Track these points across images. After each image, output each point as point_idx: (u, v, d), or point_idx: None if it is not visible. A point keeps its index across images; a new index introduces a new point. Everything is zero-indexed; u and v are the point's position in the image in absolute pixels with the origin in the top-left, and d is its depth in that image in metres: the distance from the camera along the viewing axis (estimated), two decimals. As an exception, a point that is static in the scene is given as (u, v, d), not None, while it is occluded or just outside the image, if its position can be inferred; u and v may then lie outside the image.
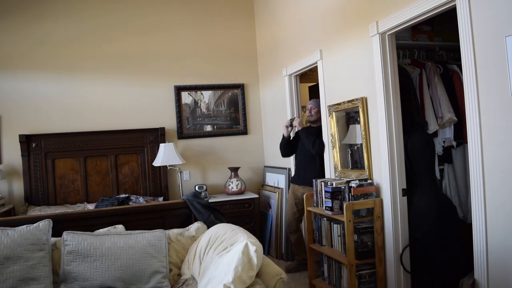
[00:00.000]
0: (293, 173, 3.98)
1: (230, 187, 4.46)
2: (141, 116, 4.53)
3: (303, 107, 5.25)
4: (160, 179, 4.47)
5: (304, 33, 3.71)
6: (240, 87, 4.89)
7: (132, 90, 4.52)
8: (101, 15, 4.45)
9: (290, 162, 4.14)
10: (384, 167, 2.65)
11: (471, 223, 2.02)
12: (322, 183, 2.94)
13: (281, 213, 4.23)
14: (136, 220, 2.70)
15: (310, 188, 3.30)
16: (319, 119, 3.60)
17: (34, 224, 2.28)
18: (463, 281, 2.19)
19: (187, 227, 2.70)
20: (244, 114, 4.90)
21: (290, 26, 4.01)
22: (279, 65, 4.29)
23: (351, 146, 3.13)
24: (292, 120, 3.76)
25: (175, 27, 4.69)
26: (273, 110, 4.58)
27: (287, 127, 3.78)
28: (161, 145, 4.17)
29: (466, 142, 2.37)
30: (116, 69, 4.48)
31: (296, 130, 3.72)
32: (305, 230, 3.56)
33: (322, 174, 3.46)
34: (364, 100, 2.79)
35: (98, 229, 2.50)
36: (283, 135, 3.84)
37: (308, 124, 3.82)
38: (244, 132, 4.89)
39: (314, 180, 3.09)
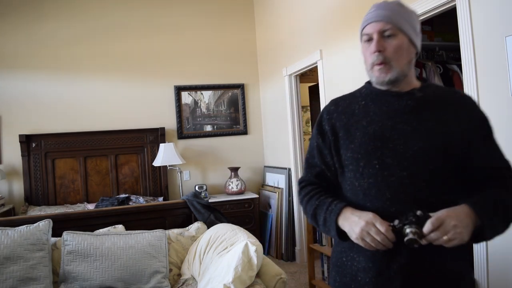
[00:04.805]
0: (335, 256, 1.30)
1: (230, 187, 4.46)
2: (141, 116, 4.53)
3: (303, 107, 5.24)
4: (160, 179, 4.47)
5: (304, 33, 3.71)
6: (240, 87, 4.89)
7: (132, 90, 4.52)
8: (102, 15, 4.45)
9: (290, 162, 4.14)
10: (384, 167, 2.64)
11: (471, 223, 2.01)
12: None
13: (281, 213, 4.23)
14: (136, 220, 2.70)
15: None
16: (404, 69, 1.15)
17: (34, 224, 2.28)
18: (463, 281, 2.17)
19: (187, 227, 2.71)
20: (244, 114, 4.90)
21: (290, 26, 4.01)
22: (279, 65, 4.29)
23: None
24: (412, 222, 1.00)
25: (175, 27, 4.69)
26: (273, 110, 4.58)
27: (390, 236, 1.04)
28: (161, 145, 4.17)
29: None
30: (116, 69, 4.48)
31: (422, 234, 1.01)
32: (305, 230, 3.56)
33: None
34: (364, 100, 2.78)
35: (98, 229, 2.50)
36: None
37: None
38: (244, 132, 4.88)
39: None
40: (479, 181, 1.13)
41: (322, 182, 1.26)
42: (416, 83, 1.20)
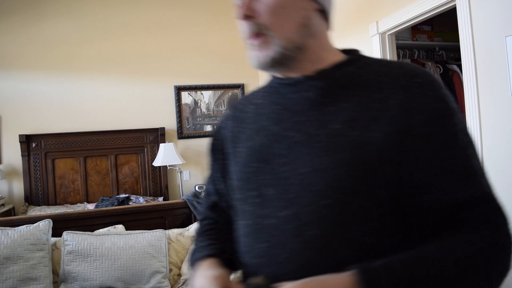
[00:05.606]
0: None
1: (230, 187, 4.46)
2: (141, 116, 4.53)
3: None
4: (160, 179, 4.47)
5: (304, 33, 3.71)
6: (240, 87, 4.89)
7: (132, 90, 4.52)
8: (101, 14, 4.45)
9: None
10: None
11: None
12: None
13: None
14: (136, 220, 2.70)
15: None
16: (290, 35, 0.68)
17: (34, 224, 2.28)
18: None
19: (187, 227, 2.71)
20: (244, 114, 4.90)
21: (290, 26, 4.00)
22: (279, 65, 4.29)
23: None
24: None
25: (175, 27, 4.69)
26: (273, 110, 4.58)
27: None
28: (161, 145, 4.17)
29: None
30: (116, 69, 4.48)
31: None
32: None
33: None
34: (364, 100, 2.78)
35: (98, 229, 2.50)
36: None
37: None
38: (244, 132, 4.89)
39: None
40: (432, 228, 0.63)
41: (219, 216, 0.87)
42: (333, 59, 0.71)
